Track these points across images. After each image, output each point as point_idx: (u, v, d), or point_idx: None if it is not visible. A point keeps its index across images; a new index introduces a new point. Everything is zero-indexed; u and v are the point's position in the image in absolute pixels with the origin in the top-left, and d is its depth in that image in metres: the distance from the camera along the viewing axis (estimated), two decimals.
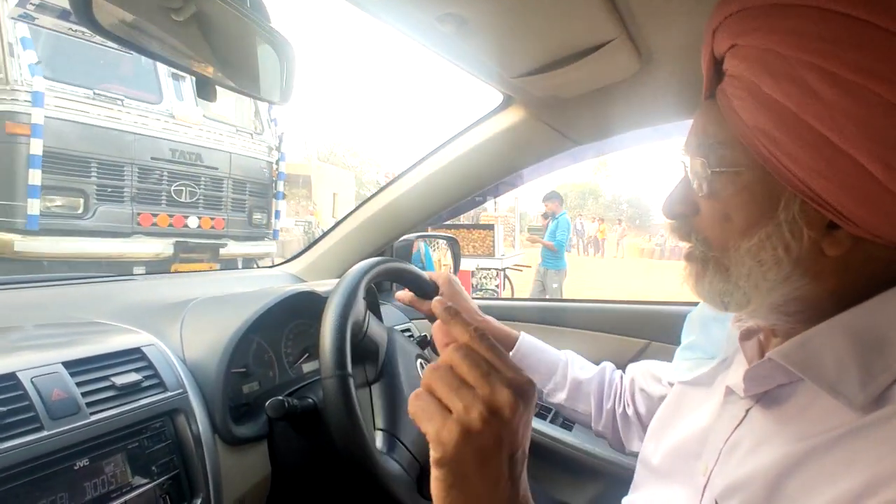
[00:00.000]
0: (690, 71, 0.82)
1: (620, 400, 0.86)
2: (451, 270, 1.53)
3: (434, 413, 0.38)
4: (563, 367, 0.89)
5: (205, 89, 0.56)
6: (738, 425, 0.50)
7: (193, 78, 0.56)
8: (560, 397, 0.87)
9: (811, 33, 0.39)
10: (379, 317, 1.07)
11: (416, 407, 0.39)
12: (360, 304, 0.79)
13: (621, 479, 0.71)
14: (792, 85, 0.39)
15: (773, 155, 0.42)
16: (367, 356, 0.82)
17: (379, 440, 0.76)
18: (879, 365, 0.41)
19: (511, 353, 0.87)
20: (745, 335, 0.56)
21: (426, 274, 0.94)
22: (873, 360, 0.41)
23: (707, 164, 0.47)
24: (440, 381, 0.38)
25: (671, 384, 0.68)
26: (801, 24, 0.39)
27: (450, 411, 0.38)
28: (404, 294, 0.95)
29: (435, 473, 0.38)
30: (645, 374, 0.84)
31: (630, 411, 0.84)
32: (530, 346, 0.90)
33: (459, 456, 0.37)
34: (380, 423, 0.78)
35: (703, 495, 0.50)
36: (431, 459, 0.38)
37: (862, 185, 0.39)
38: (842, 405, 0.41)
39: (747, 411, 0.50)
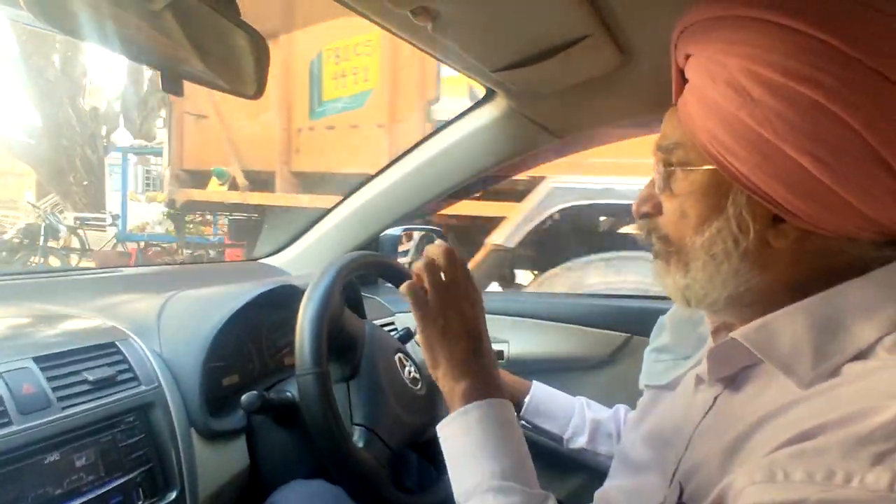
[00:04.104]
0: (671, 66, 0.82)
1: None
2: None
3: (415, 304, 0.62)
4: (580, 410, 0.88)
5: (172, 83, 0.55)
6: (706, 413, 0.52)
7: (159, 72, 0.55)
8: (581, 441, 0.86)
9: (742, 40, 0.43)
10: (361, 311, 1.07)
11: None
12: (337, 300, 0.78)
13: (600, 471, 0.72)
14: (728, 87, 0.43)
15: (719, 153, 0.45)
16: (344, 352, 0.82)
17: (356, 435, 0.76)
18: (832, 348, 0.43)
19: (526, 401, 0.87)
20: (718, 332, 0.58)
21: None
22: (827, 343, 0.44)
23: (665, 163, 0.52)
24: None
25: (647, 387, 0.69)
26: (734, 34, 0.44)
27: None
28: None
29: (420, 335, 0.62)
30: None
31: None
32: (544, 393, 0.90)
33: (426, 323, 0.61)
34: (358, 418, 0.78)
35: (671, 481, 0.52)
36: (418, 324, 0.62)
37: (797, 179, 0.42)
38: (794, 384, 0.44)
39: (715, 398, 0.52)
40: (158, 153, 9.89)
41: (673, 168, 0.51)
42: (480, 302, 0.64)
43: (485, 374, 0.60)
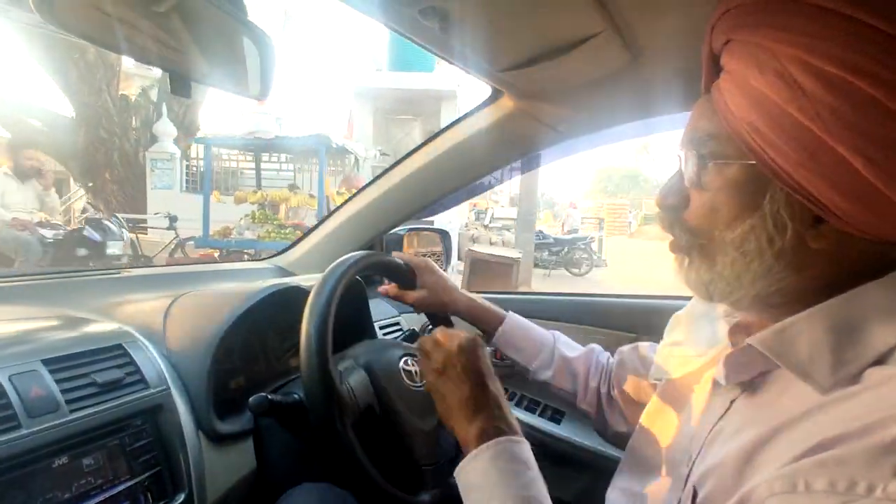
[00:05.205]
0: (680, 65, 0.81)
1: (606, 381, 0.87)
2: (444, 265, 1.52)
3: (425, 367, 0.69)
4: (550, 346, 0.89)
5: (180, 85, 0.55)
6: (723, 416, 0.51)
7: (168, 74, 0.55)
8: (546, 375, 0.88)
9: (797, 28, 0.40)
10: (367, 312, 1.06)
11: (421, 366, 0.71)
12: (337, 306, 0.74)
13: (609, 471, 0.71)
14: (777, 78, 0.40)
15: (760, 147, 0.42)
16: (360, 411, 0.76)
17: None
18: (851, 353, 0.42)
19: (498, 331, 0.89)
20: (735, 330, 0.57)
21: (406, 261, 0.92)
22: (846, 348, 0.42)
23: (697, 156, 0.49)
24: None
25: (658, 380, 0.68)
26: (788, 20, 0.40)
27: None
28: (389, 288, 0.94)
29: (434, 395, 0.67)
30: (634, 357, 0.84)
31: (615, 393, 0.84)
32: (515, 324, 0.91)
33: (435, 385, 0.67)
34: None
35: (685, 484, 0.51)
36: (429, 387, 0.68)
37: (845, 179, 0.40)
38: (813, 390, 0.43)
39: (732, 402, 0.51)
40: (249, 146, 8.00)
41: (706, 161, 0.48)
42: (477, 348, 0.67)
43: (494, 411, 0.62)
